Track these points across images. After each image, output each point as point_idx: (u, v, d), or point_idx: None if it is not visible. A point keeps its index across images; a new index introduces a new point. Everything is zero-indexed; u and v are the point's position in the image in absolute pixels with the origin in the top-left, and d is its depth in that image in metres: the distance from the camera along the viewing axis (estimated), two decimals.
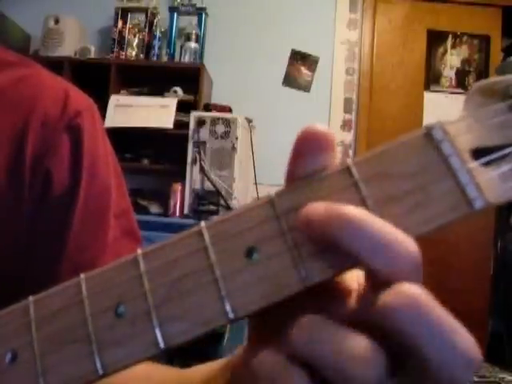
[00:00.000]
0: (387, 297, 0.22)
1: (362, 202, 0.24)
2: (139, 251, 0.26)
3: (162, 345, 0.25)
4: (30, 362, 0.26)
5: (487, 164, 0.24)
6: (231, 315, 0.24)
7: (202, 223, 0.26)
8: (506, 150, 0.24)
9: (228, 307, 0.24)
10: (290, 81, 3.09)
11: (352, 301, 0.26)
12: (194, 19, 3.00)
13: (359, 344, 0.23)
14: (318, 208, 0.24)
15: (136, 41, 2.98)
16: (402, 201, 0.24)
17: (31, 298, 0.27)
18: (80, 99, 0.57)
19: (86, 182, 0.53)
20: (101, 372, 0.25)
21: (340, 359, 0.22)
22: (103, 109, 2.66)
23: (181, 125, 2.65)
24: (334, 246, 0.24)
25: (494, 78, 0.26)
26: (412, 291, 0.22)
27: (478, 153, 0.24)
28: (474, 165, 0.24)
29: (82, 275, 0.27)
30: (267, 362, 0.24)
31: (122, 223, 0.56)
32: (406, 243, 0.23)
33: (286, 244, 0.25)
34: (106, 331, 0.25)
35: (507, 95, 0.25)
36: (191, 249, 0.26)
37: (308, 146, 0.26)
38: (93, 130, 0.56)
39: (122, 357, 0.25)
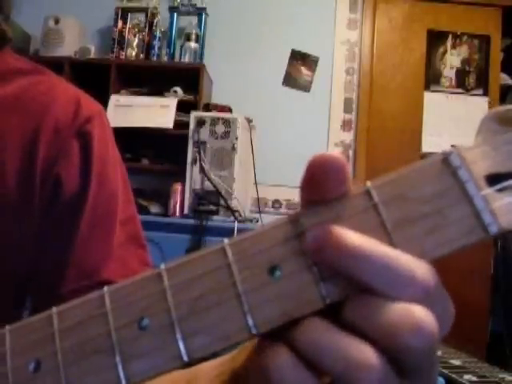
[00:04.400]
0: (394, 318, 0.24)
1: (382, 224, 0.25)
2: (162, 266, 0.27)
3: (185, 358, 0.25)
4: (53, 371, 0.26)
5: (502, 190, 0.25)
6: (254, 330, 0.25)
7: (225, 240, 0.27)
8: None
9: (251, 322, 0.25)
10: (290, 81, 3.09)
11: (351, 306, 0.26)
12: (194, 19, 3.01)
13: (363, 351, 0.24)
14: (325, 234, 0.25)
15: (136, 41, 2.98)
16: (420, 224, 0.25)
17: (55, 310, 0.28)
18: (91, 106, 0.59)
19: (94, 188, 0.54)
20: (124, 383, 0.25)
21: (347, 366, 0.24)
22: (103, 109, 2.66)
23: (181, 125, 2.65)
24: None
25: (508, 106, 0.27)
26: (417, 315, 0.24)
27: (492, 179, 0.25)
28: (489, 191, 0.25)
29: (106, 288, 0.27)
30: (278, 360, 0.25)
31: (128, 229, 0.57)
32: (415, 272, 0.24)
33: (308, 262, 0.25)
34: (130, 343, 0.26)
35: None
36: (214, 265, 0.26)
37: (327, 178, 0.26)
38: (102, 136, 0.57)
39: (146, 369, 0.26)
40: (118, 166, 0.59)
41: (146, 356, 0.26)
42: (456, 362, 0.98)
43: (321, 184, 0.26)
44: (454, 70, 3.09)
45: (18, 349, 0.27)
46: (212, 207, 2.43)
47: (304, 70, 3.10)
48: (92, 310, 0.27)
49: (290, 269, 0.25)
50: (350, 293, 0.25)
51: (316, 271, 0.25)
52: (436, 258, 0.25)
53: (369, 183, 0.26)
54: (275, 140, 2.87)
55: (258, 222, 2.63)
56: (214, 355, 0.28)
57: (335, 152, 0.26)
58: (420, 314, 0.24)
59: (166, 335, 0.25)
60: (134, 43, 2.98)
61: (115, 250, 0.54)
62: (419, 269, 0.24)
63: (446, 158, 0.25)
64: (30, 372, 0.27)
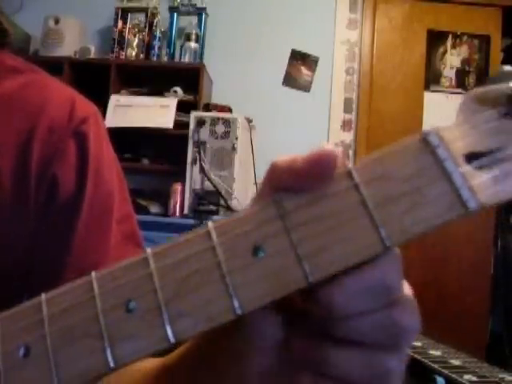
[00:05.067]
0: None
1: (363, 203, 0.25)
2: (149, 250, 0.27)
3: (172, 339, 0.26)
4: (42, 356, 0.27)
5: (480, 168, 0.25)
6: (239, 311, 0.25)
7: (210, 224, 0.27)
8: (498, 155, 0.25)
9: (236, 303, 0.25)
10: (290, 81, 3.09)
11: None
12: (194, 19, 3.00)
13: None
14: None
15: (136, 41, 2.98)
16: (400, 202, 0.25)
17: (43, 296, 0.28)
18: (86, 106, 0.59)
19: (91, 187, 0.54)
20: (112, 365, 0.26)
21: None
22: (103, 109, 2.66)
23: (181, 125, 2.65)
24: None
25: (488, 87, 0.27)
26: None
27: (471, 157, 0.25)
28: (467, 168, 0.25)
29: (93, 274, 0.28)
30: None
31: (124, 228, 0.57)
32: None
33: (291, 241, 0.26)
34: (118, 326, 0.26)
35: (499, 103, 0.26)
36: (199, 248, 0.27)
37: (320, 173, 0.26)
38: (98, 136, 0.57)
39: (134, 350, 0.26)
40: (113, 166, 0.59)
41: (133, 338, 0.26)
42: (456, 362, 0.98)
43: (312, 180, 0.26)
44: (454, 70, 3.09)
45: (8, 335, 0.28)
46: (212, 207, 2.43)
47: (304, 70, 3.10)
48: (80, 294, 0.27)
49: (274, 249, 0.26)
50: (333, 272, 0.25)
51: (300, 250, 0.25)
52: (417, 235, 0.25)
53: (350, 165, 0.26)
54: (275, 140, 2.87)
55: None
56: None
57: (331, 146, 0.26)
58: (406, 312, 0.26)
59: (153, 317, 0.26)
60: (134, 43, 2.98)
61: (112, 250, 0.54)
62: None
63: (424, 138, 0.26)
64: (19, 357, 0.27)
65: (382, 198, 0.25)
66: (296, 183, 0.26)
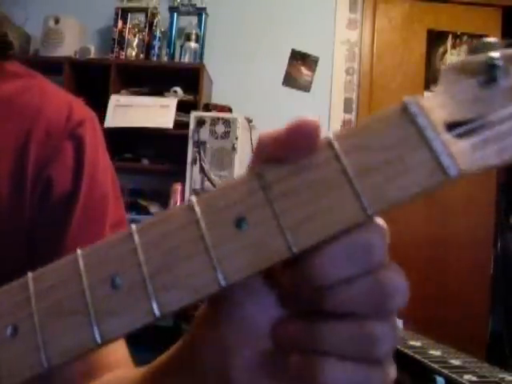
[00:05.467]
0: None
1: (344, 173, 0.25)
2: (133, 226, 0.27)
3: (157, 313, 0.26)
4: (30, 334, 0.27)
5: (460, 136, 0.26)
6: (223, 282, 0.25)
7: (193, 197, 0.27)
8: (477, 123, 0.26)
9: (220, 275, 0.25)
10: (290, 81, 3.09)
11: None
12: (194, 19, 3.00)
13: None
14: None
15: (136, 41, 2.98)
16: (381, 171, 0.25)
17: (30, 275, 0.28)
18: (83, 110, 0.59)
19: (85, 190, 0.55)
20: (99, 341, 0.26)
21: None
22: (103, 109, 2.66)
23: (181, 125, 2.65)
24: None
25: (467, 57, 0.28)
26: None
27: (451, 126, 0.26)
28: (447, 136, 0.25)
29: (79, 251, 0.28)
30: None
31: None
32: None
33: (273, 212, 0.26)
34: (104, 302, 0.26)
35: (478, 72, 0.27)
36: (183, 221, 0.27)
37: (302, 142, 0.26)
38: (94, 141, 0.58)
39: (120, 326, 0.26)
40: (108, 171, 0.59)
41: (119, 313, 0.26)
42: (456, 362, 0.98)
43: (293, 149, 0.26)
44: None
45: None
46: None
47: (304, 70, 3.10)
48: (66, 271, 0.28)
49: (256, 220, 0.26)
50: (316, 242, 0.25)
51: (282, 220, 0.25)
52: (399, 203, 0.25)
53: (330, 135, 0.26)
54: None
55: None
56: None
57: (312, 118, 0.26)
58: (392, 275, 0.26)
59: (139, 291, 0.26)
60: (134, 43, 2.98)
61: None
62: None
63: (405, 107, 0.26)
64: (7, 336, 0.27)
65: (362, 167, 0.25)
66: (279, 153, 0.27)
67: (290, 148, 0.26)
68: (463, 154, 0.25)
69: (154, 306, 0.26)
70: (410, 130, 0.25)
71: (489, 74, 0.26)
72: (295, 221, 0.25)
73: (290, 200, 0.26)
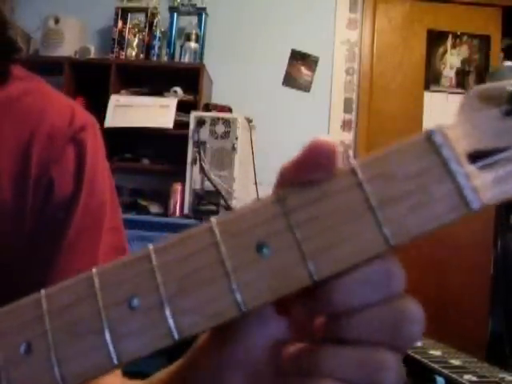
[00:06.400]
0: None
1: (366, 202, 0.25)
2: (150, 246, 0.27)
3: (175, 336, 0.25)
4: (44, 352, 0.27)
5: (483, 168, 0.25)
6: (243, 307, 0.25)
7: (213, 219, 0.27)
8: (501, 155, 0.25)
9: (239, 299, 0.25)
10: (290, 81, 3.09)
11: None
12: (194, 19, 3.01)
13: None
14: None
15: (136, 41, 2.98)
16: (404, 201, 0.25)
17: (43, 292, 0.28)
18: (85, 116, 0.60)
19: (85, 195, 0.55)
20: (116, 361, 0.26)
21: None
22: (103, 109, 2.66)
23: (181, 125, 2.65)
24: None
25: (489, 84, 0.27)
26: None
27: (474, 157, 0.26)
28: (471, 169, 0.25)
29: (94, 269, 0.28)
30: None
31: (113, 239, 0.58)
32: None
33: (295, 239, 0.25)
34: (120, 322, 0.26)
35: (501, 101, 0.26)
36: (202, 244, 0.26)
37: (319, 162, 0.26)
38: (95, 146, 0.58)
39: (137, 347, 0.26)
40: (106, 177, 0.60)
41: (136, 335, 0.26)
42: (456, 362, 0.98)
43: (312, 168, 0.26)
44: (454, 70, 3.09)
45: (8, 331, 0.27)
46: (212, 207, 2.43)
47: (304, 70, 3.10)
48: (81, 290, 0.27)
49: (278, 246, 0.26)
50: (337, 271, 0.25)
51: (304, 247, 0.25)
52: (421, 235, 0.25)
53: (354, 162, 0.26)
54: (275, 140, 2.87)
55: None
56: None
57: (328, 137, 0.26)
58: (409, 303, 0.26)
59: (156, 314, 0.26)
60: (134, 43, 2.98)
61: (100, 259, 0.55)
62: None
63: (429, 137, 0.26)
64: (21, 354, 0.27)
65: (385, 196, 0.25)
66: (299, 174, 0.26)
67: (310, 167, 0.26)
68: (486, 188, 0.25)
69: (173, 329, 0.25)
70: (434, 161, 0.25)
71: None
72: (317, 248, 0.25)
73: (312, 227, 0.25)
